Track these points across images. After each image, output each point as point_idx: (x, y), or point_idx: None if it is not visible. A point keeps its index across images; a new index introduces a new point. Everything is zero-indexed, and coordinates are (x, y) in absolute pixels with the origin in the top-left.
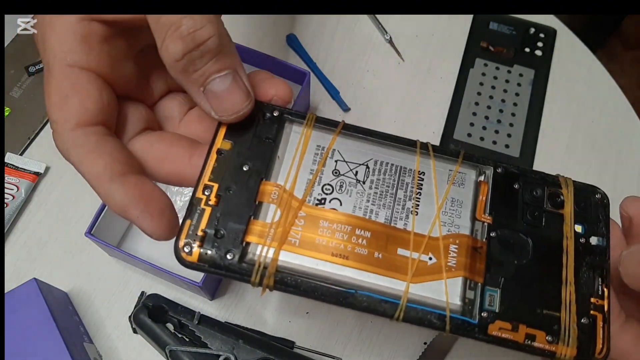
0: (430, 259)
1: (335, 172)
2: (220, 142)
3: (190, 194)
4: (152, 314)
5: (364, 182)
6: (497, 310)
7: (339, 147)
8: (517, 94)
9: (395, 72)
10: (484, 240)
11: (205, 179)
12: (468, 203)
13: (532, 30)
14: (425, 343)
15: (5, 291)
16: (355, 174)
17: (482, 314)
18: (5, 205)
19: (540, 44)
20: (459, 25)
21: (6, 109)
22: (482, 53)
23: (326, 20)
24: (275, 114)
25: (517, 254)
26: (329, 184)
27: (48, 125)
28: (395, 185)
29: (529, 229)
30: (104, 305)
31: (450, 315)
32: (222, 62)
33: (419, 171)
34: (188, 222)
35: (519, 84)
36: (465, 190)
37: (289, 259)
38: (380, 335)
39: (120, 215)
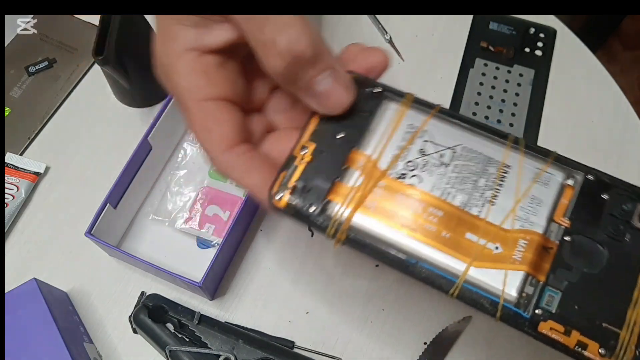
0: (497, 248)
1: (421, 152)
2: None
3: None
4: (152, 314)
5: (447, 165)
6: (553, 311)
7: (431, 128)
8: (517, 94)
9: (395, 72)
10: (556, 241)
11: (304, 140)
12: (548, 203)
13: (532, 30)
14: (425, 343)
15: (5, 291)
16: (441, 156)
17: (536, 311)
18: (5, 205)
19: (540, 44)
20: (459, 25)
21: (6, 109)
22: (482, 53)
23: (326, 20)
24: (375, 90)
25: (589, 262)
26: (412, 161)
27: (48, 125)
28: (478, 173)
29: (609, 241)
30: (104, 305)
31: (503, 304)
32: (320, 66)
33: (506, 164)
34: (283, 173)
35: (519, 84)
36: (549, 190)
37: (362, 220)
38: (380, 335)
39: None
